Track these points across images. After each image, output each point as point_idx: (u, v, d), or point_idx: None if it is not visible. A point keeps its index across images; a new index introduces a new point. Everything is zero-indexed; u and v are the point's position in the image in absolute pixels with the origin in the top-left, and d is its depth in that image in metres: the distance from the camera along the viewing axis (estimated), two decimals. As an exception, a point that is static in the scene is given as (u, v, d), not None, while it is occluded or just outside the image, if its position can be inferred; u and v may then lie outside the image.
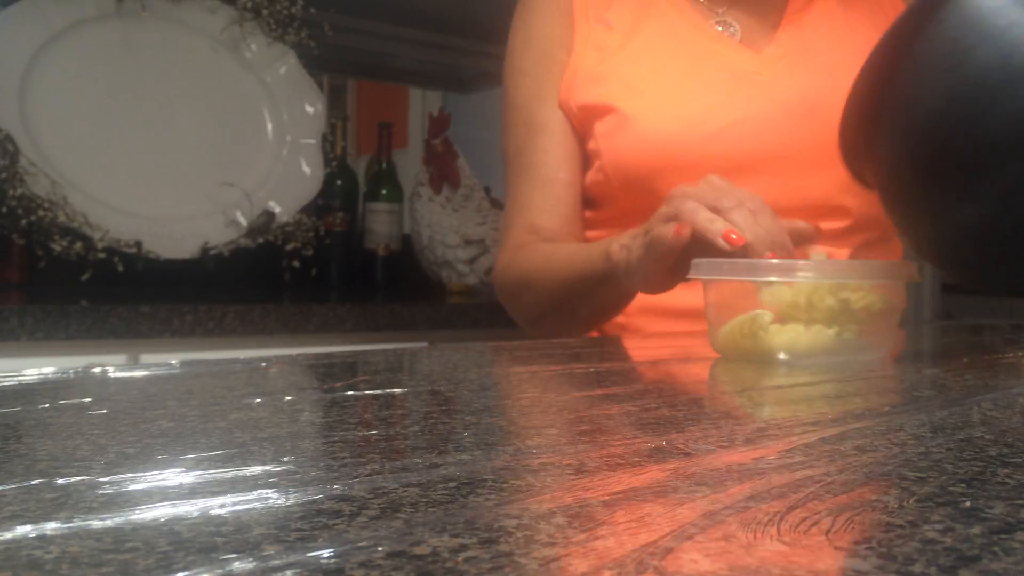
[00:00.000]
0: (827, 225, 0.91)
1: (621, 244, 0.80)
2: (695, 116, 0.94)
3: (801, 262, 0.62)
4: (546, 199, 0.99)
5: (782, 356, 0.59)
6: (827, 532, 0.22)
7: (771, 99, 0.95)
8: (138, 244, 1.44)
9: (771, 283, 0.59)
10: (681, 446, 0.32)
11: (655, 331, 0.96)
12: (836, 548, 0.20)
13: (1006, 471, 0.28)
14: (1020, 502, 0.25)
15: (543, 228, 0.98)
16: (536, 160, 1.00)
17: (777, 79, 0.97)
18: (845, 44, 0.99)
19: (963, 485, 0.26)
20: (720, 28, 1.01)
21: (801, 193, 0.94)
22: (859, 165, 0.63)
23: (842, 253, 0.96)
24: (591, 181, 1.01)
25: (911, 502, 0.24)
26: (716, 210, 0.71)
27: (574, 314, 0.92)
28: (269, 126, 1.66)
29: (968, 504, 0.24)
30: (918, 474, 0.28)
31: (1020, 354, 0.67)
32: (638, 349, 0.77)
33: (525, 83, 1.03)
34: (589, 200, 1.03)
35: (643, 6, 1.02)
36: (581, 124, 1.00)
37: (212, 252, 1.51)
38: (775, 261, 0.65)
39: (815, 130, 0.93)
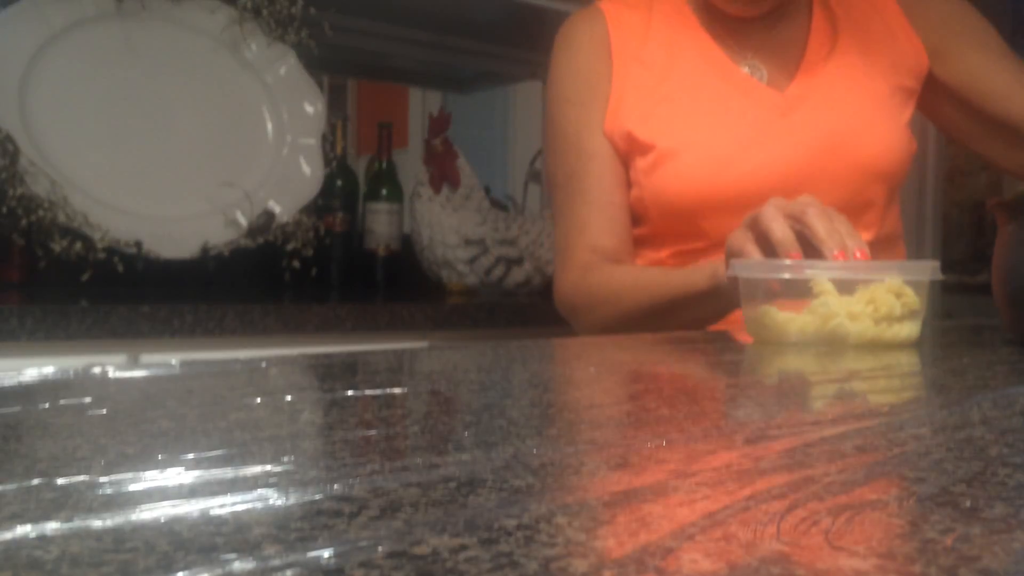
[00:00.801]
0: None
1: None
2: (729, 156, 1.01)
3: (844, 263, 0.75)
4: (605, 221, 1.06)
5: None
6: (827, 532, 0.22)
7: (796, 139, 1.01)
8: (138, 244, 1.44)
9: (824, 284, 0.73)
10: (681, 446, 0.32)
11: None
12: (836, 548, 0.20)
13: (1006, 471, 0.28)
14: (1020, 502, 0.25)
15: (604, 247, 1.05)
16: (591, 185, 1.06)
17: (801, 120, 1.03)
18: (864, 90, 1.05)
19: (963, 485, 0.26)
20: (748, 70, 1.07)
21: None
22: None
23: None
24: (631, 201, 1.07)
25: (911, 502, 0.24)
26: (794, 216, 0.79)
27: (675, 323, 0.97)
28: (269, 126, 1.66)
29: (968, 504, 0.24)
30: (918, 474, 0.28)
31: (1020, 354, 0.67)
32: (639, 349, 0.77)
33: (573, 112, 1.08)
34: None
35: (675, 46, 1.07)
36: (623, 155, 1.06)
37: (212, 252, 1.51)
38: (818, 262, 0.77)
39: (834, 169, 1.01)
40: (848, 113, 1.03)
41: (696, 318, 0.96)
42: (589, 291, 1.04)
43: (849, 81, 1.05)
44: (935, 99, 1.11)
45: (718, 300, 0.90)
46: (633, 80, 1.06)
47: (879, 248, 1.04)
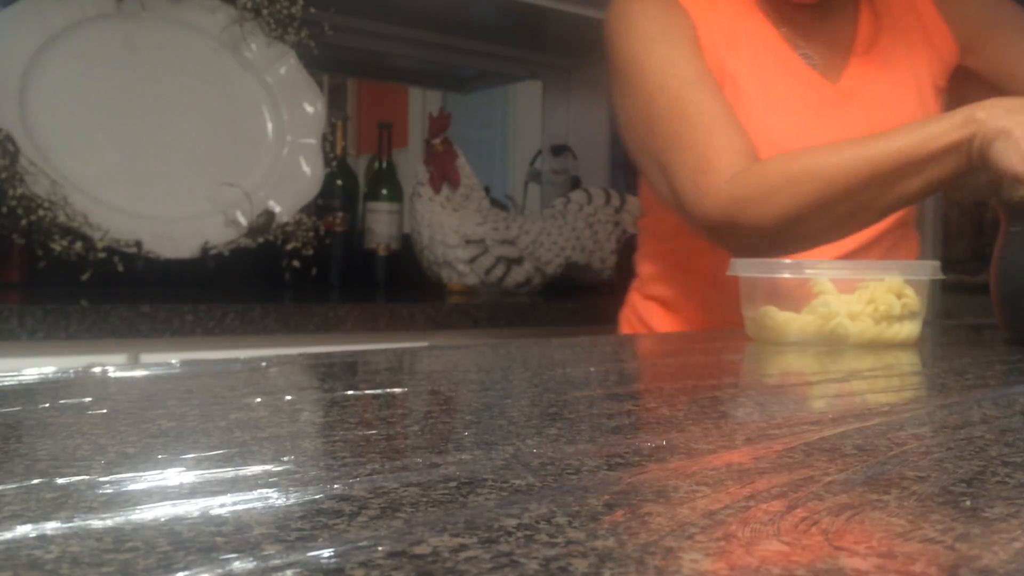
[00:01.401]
0: (867, 232, 0.99)
1: (1005, 108, 0.80)
2: (786, 140, 0.97)
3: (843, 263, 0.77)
4: (729, 124, 0.95)
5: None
6: (827, 532, 0.22)
7: (848, 132, 0.98)
8: (138, 244, 1.44)
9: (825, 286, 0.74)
10: (681, 446, 0.32)
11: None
12: (836, 548, 0.20)
13: (1006, 471, 0.28)
14: (1020, 502, 0.25)
15: (742, 146, 0.93)
16: (704, 99, 0.96)
17: (853, 114, 1.03)
18: (907, 87, 1.06)
19: (963, 485, 0.26)
20: (804, 59, 1.06)
21: (858, 233, 1.01)
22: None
23: (874, 255, 1.04)
24: None
25: (911, 502, 0.24)
26: None
27: (868, 207, 0.89)
28: (269, 126, 1.66)
29: (968, 504, 0.24)
30: (918, 474, 0.28)
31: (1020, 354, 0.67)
32: (641, 348, 0.77)
33: (660, 48, 0.99)
34: None
35: (736, 24, 1.05)
36: None
37: (212, 252, 1.51)
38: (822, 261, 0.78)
39: None
40: (895, 110, 1.04)
41: (919, 190, 0.87)
42: (764, 176, 0.90)
43: (895, 76, 1.06)
44: (964, 87, 1.11)
45: (960, 156, 0.82)
46: (708, 39, 1.02)
47: (899, 233, 1.05)
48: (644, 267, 1.17)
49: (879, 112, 1.03)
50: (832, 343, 0.71)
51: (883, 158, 0.85)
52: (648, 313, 1.15)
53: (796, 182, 0.88)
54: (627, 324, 1.18)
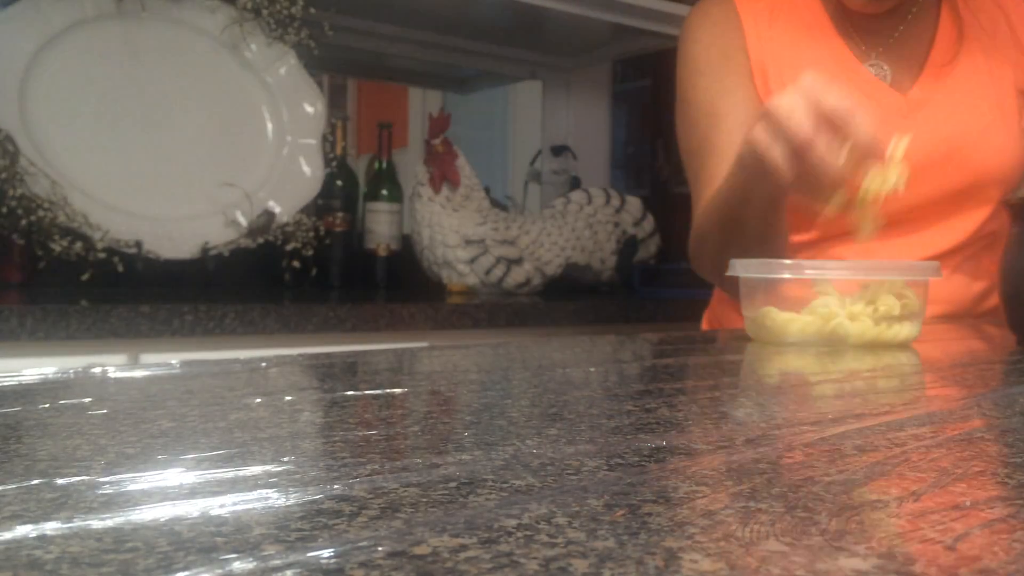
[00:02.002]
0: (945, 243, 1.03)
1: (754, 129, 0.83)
2: None
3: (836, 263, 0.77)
4: None
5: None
6: (827, 532, 0.22)
7: (914, 144, 0.99)
8: (138, 244, 1.44)
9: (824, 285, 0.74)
10: (681, 446, 0.32)
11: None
12: (836, 548, 0.20)
13: (1006, 471, 0.28)
14: (1020, 502, 0.25)
15: None
16: (723, 141, 1.03)
17: (921, 124, 1.02)
18: (987, 94, 1.05)
19: (963, 485, 0.26)
20: (873, 70, 1.06)
21: (935, 241, 1.03)
22: None
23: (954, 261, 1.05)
24: None
25: (911, 502, 0.24)
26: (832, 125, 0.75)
27: (744, 237, 0.94)
28: (269, 126, 1.66)
29: (968, 504, 0.24)
30: (918, 474, 0.28)
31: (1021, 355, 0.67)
32: (641, 349, 0.77)
33: (703, 81, 1.07)
34: None
35: (800, 37, 1.07)
36: None
37: (212, 252, 1.51)
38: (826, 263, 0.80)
39: (949, 174, 1.01)
40: (967, 121, 1.03)
41: (761, 212, 0.91)
42: (696, 235, 1.03)
43: (972, 85, 1.05)
44: None
45: (757, 179, 0.85)
46: (768, 55, 1.06)
47: (983, 243, 1.05)
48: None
49: (949, 122, 1.02)
50: (832, 343, 0.71)
51: (719, 198, 0.94)
52: (724, 313, 1.19)
53: (704, 237, 1.01)
54: (707, 322, 1.24)
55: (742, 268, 0.76)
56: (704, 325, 1.25)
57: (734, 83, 1.05)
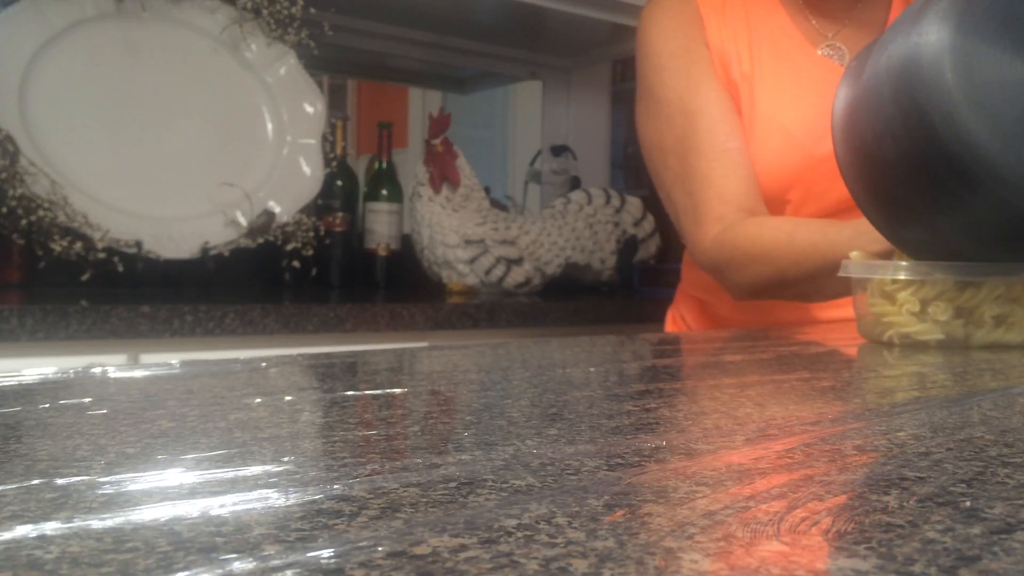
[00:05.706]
0: None
1: None
2: (805, 138, 1.01)
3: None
4: (725, 169, 1.02)
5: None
6: (827, 532, 0.22)
7: None
8: (138, 244, 1.44)
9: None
10: (681, 446, 0.32)
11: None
12: (836, 548, 0.20)
13: (1006, 471, 0.28)
14: (1020, 502, 0.25)
15: (733, 195, 1.01)
16: (702, 139, 1.03)
17: None
18: None
19: (963, 485, 0.26)
20: (828, 51, 1.06)
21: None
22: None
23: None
24: None
25: (911, 502, 0.24)
26: None
27: (818, 292, 0.94)
28: (269, 126, 1.66)
29: (968, 504, 0.24)
30: (918, 474, 0.28)
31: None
32: (639, 349, 0.77)
33: (672, 77, 1.06)
34: None
35: (753, 22, 1.07)
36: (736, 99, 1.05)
37: (212, 252, 1.51)
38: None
39: None
40: None
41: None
42: (736, 247, 0.99)
43: None
44: None
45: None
46: (727, 43, 1.06)
47: None
48: (686, 267, 1.21)
49: None
50: (953, 346, 0.71)
51: (820, 257, 0.91)
52: (688, 311, 1.19)
53: (757, 261, 0.97)
54: (672, 321, 1.23)
55: (855, 268, 0.74)
56: (669, 325, 1.24)
57: (700, 76, 1.04)
